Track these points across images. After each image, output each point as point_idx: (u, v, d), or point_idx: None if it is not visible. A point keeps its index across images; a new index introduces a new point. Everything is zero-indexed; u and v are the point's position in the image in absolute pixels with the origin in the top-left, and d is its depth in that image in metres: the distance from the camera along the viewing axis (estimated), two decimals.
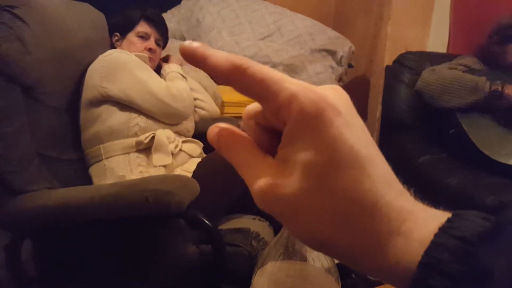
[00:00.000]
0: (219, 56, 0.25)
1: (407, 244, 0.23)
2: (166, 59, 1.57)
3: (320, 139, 0.23)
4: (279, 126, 0.25)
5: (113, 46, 1.49)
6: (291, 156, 0.24)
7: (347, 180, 0.23)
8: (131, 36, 1.47)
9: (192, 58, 0.25)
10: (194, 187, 0.99)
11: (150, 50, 1.46)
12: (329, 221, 0.23)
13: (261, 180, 0.25)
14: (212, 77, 0.25)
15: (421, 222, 0.23)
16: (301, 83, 0.24)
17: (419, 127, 1.98)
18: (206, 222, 0.98)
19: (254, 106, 0.27)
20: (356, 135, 0.24)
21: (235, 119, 1.78)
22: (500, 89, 1.63)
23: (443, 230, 0.22)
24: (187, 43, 0.25)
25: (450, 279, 0.21)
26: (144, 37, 1.47)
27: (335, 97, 0.24)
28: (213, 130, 0.28)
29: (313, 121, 0.23)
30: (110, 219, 0.97)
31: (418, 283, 0.22)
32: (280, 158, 0.25)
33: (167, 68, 1.50)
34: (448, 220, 0.23)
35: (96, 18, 1.47)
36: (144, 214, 0.95)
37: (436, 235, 0.22)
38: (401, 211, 0.23)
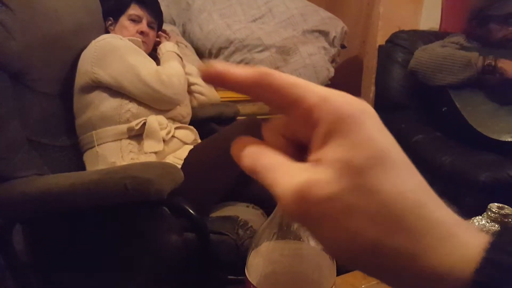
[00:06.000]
0: (242, 68, 0.25)
1: (463, 250, 0.21)
2: (164, 33, 1.56)
3: (358, 138, 0.22)
4: (306, 131, 0.24)
5: (107, 31, 1.47)
6: (327, 156, 0.22)
7: (388, 180, 0.22)
8: (123, 20, 1.44)
9: (214, 76, 0.25)
10: (177, 174, 0.97)
11: (142, 33, 1.43)
12: (372, 225, 0.21)
13: (294, 181, 0.22)
14: (236, 91, 0.25)
15: (470, 233, 0.22)
16: (328, 89, 0.24)
17: (412, 106, 1.98)
18: (189, 210, 0.97)
19: (274, 121, 0.27)
20: (391, 138, 0.23)
21: (232, 104, 1.75)
22: (493, 63, 1.63)
23: (495, 245, 0.21)
24: (206, 63, 0.27)
25: None
26: (136, 20, 1.44)
27: (363, 103, 0.24)
28: (237, 145, 0.26)
29: (349, 121, 0.22)
30: (91, 207, 0.97)
31: None
32: (313, 160, 0.23)
33: (160, 50, 1.48)
34: (497, 234, 0.22)
35: (89, 2, 1.44)
36: (124, 202, 0.94)
37: (487, 251, 0.21)
38: (447, 220, 0.22)
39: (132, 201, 0.93)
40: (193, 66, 1.61)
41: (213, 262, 1.03)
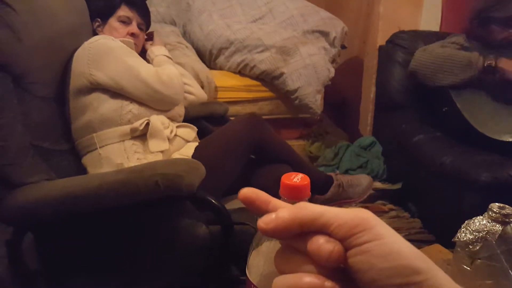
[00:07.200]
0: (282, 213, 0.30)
1: None
2: (150, 37, 1.55)
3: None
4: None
5: (95, 33, 1.45)
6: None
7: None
8: (113, 21, 1.42)
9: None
10: (201, 169, 0.99)
11: (132, 35, 1.42)
12: None
13: None
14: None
15: None
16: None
17: (413, 106, 1.98)
18: (215, 202, 0.99)
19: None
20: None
21: (222, 102, 1.80)
22: (493, 63, 1.63)
23: None
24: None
25: None
26: (125, 21, 1.43)
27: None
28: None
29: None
30: (118, 206, 0.96)
31: None
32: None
33: (151, 53, 1.47)
34: None
35: (77, 3, 1.42)
36: (155, 199, 0.95)
37: None
38: None
39: (163, 197, 0.94)
40: (180, 67, 1.62)
41: (234, 255, 1.04)
